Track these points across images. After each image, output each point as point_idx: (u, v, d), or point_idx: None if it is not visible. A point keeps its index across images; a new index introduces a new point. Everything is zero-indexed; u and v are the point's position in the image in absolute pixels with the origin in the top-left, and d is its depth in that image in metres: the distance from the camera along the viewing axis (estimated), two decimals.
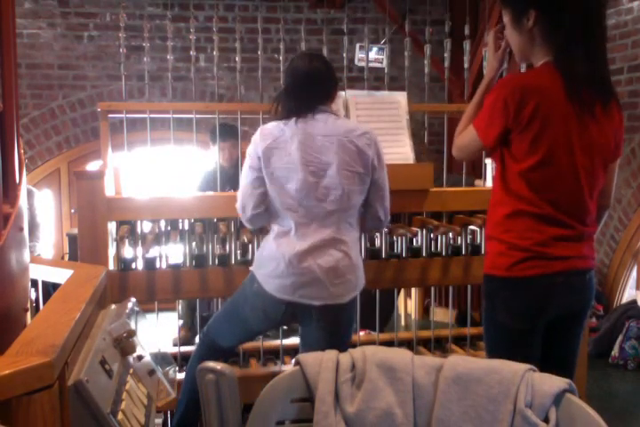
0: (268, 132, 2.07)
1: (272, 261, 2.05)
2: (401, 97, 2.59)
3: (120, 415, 1.19)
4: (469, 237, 2.68)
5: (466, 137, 1.87)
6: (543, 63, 1.77)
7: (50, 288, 1.97)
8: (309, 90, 2.06)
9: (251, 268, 2.17)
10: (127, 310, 1.54)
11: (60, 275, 1.75)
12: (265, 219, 2.14)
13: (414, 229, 2.48)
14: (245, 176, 2.11)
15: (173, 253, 2.49)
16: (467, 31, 2.73)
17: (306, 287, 2.03)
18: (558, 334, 1.90)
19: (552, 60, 1.75)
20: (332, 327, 2.08)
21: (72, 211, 4.99)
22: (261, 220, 2.15)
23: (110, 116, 2.56)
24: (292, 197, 2.03)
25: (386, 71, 2.85)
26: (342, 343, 2.03)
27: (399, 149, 2.53)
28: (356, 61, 4.80)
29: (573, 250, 1.79)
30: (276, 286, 2.05)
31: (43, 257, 3.61)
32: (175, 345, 2.80)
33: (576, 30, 1.70)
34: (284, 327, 2.66)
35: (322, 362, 1.38)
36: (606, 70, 1.77)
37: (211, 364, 1.34)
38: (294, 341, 2.71)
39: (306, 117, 2.04)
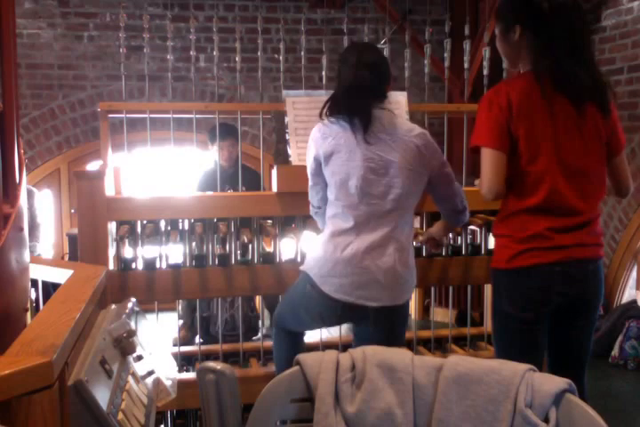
0: (328, 129, 2.04)
1: (329, 261, 2.01)
2: (401, 97, 2.58)
3: (120, 415, 1.19)
4: (469, 237, 2.68)
5: (485, 166, 1.84)
6: (525, 71, 1.92)
7: (50, 288, 1.97)
8: (364, 89, 2.02)
9: (301, 267, 2.12)
10: (127, 310, 1.54)
11: (60, 275, 1.75)
12: (322, 218, 2.18)
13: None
14: (309, 180, 2.14)
15: (173, 253, 2.48)
16: (467, 31, 2.73)
17: (364, 288, 1.99)
18: (564, 327, 1.95)
19: (531, 69, 1.89)
20: (388, 328, 2.04)
21: (72, 211, 4.99)
22: (320, 218, 2.20)
23: (110, 116, 2.56)
24: (352, 195, 2.00)
25: None
26: (398, 342, 2.01)
27: None
28: None
29: (572, 238, 1.85)
30: (334, 287, 2.00)
31: (43, 257, 3.61)
32: (175, 345, 2.80)
33: (556, 43, 1.83)
34: None
35: (322, 362, 1.38)
36: (579, 78, 1.84)
37: (211, 364, 1.34)
38: None
39: (364, 115, 2.00)
